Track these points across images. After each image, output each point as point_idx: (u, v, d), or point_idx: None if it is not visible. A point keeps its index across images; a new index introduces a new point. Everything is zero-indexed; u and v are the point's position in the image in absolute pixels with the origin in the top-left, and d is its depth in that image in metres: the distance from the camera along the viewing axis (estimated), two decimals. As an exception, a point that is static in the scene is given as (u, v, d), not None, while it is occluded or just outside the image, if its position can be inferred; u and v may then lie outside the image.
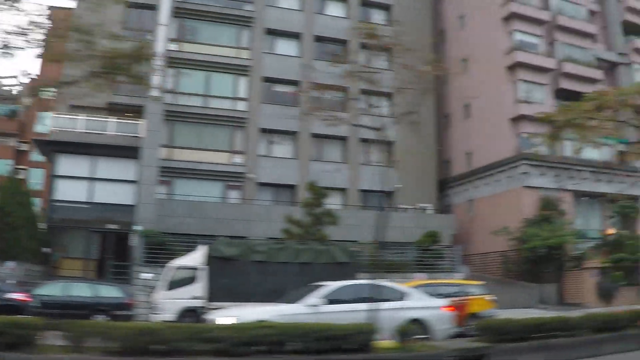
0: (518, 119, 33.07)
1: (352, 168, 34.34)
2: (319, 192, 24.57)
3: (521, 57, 33.29)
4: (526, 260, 29.57)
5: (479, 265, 32.68)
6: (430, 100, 34.37)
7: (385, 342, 10.70)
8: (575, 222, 32.92)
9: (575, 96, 33.64)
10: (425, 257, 25.62)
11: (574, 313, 13.55)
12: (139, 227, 24.95)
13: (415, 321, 12.47)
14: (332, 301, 12.38)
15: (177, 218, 28.49)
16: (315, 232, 23.74)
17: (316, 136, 33.86)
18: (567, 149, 32.76)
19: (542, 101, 33.65)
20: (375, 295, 11.50)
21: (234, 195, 32.44)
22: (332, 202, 33.31)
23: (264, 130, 33.26)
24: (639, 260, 28.43)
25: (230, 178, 32.30)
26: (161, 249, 22.67)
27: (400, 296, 13.16)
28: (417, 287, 14.98)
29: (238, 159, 32.71)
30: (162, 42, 29.81)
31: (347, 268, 19.69)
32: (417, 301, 13.30)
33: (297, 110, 32.52)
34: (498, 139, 33.77)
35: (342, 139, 34.26)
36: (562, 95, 34.35)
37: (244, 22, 34.16)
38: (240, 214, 30.10)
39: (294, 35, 35.16)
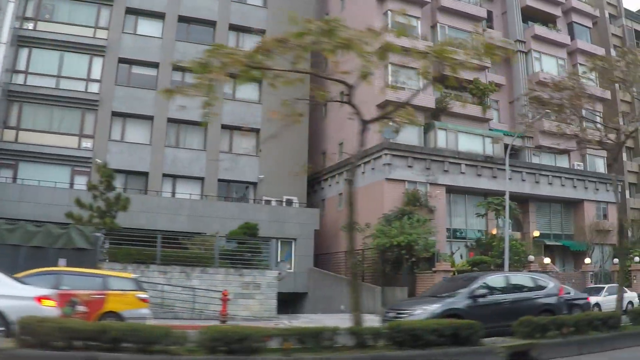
0: (385, 105, 30.59)
1: (211, 156, 32.16)
2: (109, 175, 22.46)
3: (391, 39, 30.72)
4: (379, 260, 27.10)
5: (336, 264, 30.32)
6: (304, 85, 32.16)
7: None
8: (445, 220, 30.52)
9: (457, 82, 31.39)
10: (241, 251, 23.17)
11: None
12: None
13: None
14: None
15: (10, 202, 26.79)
16: (106, 217, 21.62)
17: (173, 121, 31.78)
18: (442, 139, 30.41)
19: (415, 87, 31.21)
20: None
21: (81, 181, 30.51)
22: (188, 192, 31.54)
23: (117, 114, 31.30)
24: (501, 265, 25.94)
25: (77, 163, 30.42)
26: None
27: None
28: (33, 275, 12.68)
29: (88, 143, 30.79)
30: (9, 21, 28.43)
31: (86, 255, 17.59)
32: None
33: (154, 93, 30.79)
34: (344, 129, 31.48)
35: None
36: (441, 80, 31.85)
37: (104, 1, 32.26)
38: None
39: (158, 15, 33.12)
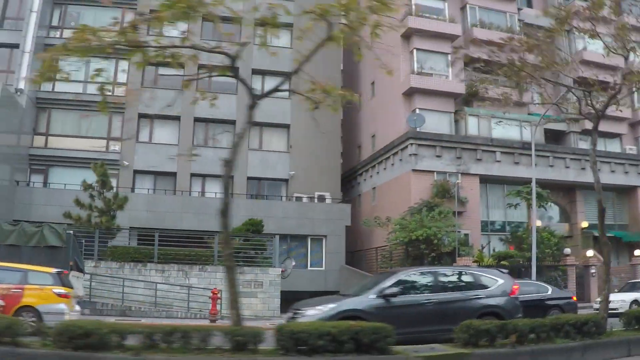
0: (411, 93, 29.23)
1: (239, 154, 31.59)
2: (103, 174, 22.32)
3: (416, 23, 29.32)
4: (404, 255, 25.80)
5: (370, 262, 29.20)
6: (336, 77, 31.37)
7: None
8: (480, 212, 28.79)
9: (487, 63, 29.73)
10: (244, 248, 22.47)
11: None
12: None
13: None
14: None
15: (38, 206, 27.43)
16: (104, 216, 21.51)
17: (201, 120, 31.63)
18: (474, 126, 28.78)
19: (444, 72, 29.74)
20: None
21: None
22: (216, 191, 31.19)
23: (144, 116, 31.36)
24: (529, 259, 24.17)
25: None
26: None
27: None
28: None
29: (116, 146, 31.08)
30: (32, 30, 29.25)
31: (59, 253, 17.31)
32: None
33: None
34: (395, 117, 30.06)
35: (231, 122, 31.73)
36: (474, 64, 30.15)
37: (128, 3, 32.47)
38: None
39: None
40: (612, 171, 31.66)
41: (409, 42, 29.65)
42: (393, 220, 25.67)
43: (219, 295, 16.69)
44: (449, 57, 29.77)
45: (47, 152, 30.06)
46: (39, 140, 30.22)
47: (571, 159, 30.77)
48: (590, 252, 27.78)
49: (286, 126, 32.13)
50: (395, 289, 10.82)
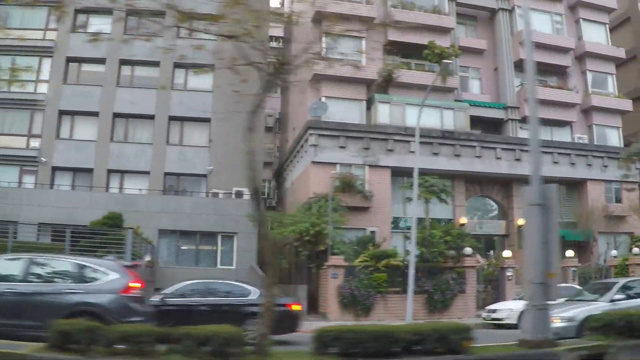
0: (318, 80, 27.50)
1: (158, 149, 30.90)
2: None
3: (327, 5, 27.49)
4: (296, 253, 24.17)
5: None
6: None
7: None
8: (394, 207, 26.67)
9: (413, 49, 27.81)
10: (103, 242, 21.51)
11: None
12: None
13: None
14: None
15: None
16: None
17: (120, 116, 31.06)
18: (386, 115, 26.86)
19: (357, 57, 27.80)
20: None
21: (30, 180, 30.76)
22: (135, 187, 30.59)
23: (65, 112, 31.16)
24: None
25: (25, 162, 30.71)
26: None
27: None
28: None
29: (36, 142, 30.99)
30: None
31: None
32: None
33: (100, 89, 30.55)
34: (304, 107, 28.41)
35: (150, 117, 31.04)
36: (395, 49, 28.18)
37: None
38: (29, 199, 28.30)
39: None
40: (555, 162, 28.66)
41: (320, 26, 27.88)
42: (275, 216, 24.12)
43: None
44: (364, 41, 27.86)
45: None
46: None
47: (503, 149, 28.04)
48: (507, 253, 25.08)
49: (207, 120, 31.09)
50: None
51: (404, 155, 26.70)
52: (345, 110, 27.16)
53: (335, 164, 25.99)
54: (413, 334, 8.57)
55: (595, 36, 31.55)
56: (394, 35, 27.88)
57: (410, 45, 28.20)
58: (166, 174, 30.68)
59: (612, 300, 12.47)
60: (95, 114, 31.04)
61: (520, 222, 28.41)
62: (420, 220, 26.41)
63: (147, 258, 22.16)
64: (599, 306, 12.30)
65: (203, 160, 30.95)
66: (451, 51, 27.94)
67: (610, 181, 29.32)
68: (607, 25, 32.40)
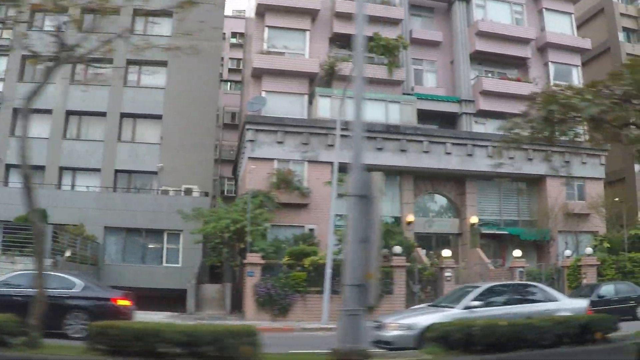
0: (259, 75, 26.82)
1: (109, 147, 30.63)
2: None
3: (267, -1, 26.89)
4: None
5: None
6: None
7: None
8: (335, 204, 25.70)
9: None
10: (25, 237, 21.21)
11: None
12: None
13: None
14: None
15: None
16: None
17: (73, 113, 30.96)
18: (326, 109, 26.10)
19: (300, 50, 27.12)
20: None
21: (-12, 179, 30.89)
22: (87, 184, 30.40)
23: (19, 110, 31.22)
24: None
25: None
26: None
27: None
28: None
29: (-10, 140, 31.11)
30: None
31: None
32: None
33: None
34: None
35: (103, 114, 30.82)
36: (342, 42, 27.37)
37: None
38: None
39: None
40: (511, 157, 27.29)
41: (263, 20, 27.31)
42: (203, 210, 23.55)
43: None
44: (307, 34, 27.14)
45: None
46: None
47: (453, 143, 26.91)
48: (447, 252, 23.93)
49: (159, 117, 30.74)
50: None
51: (345, 151, 25.75)
52: (288, 105, 26.43)
53: (273, 159, 25.28)
54: (184, 334, 7.80)
55: (560, 27, 30.08)
56: (340, 28, 27.08)
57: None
58: (117, 171, 30.42)
59: (468, 307, 10.99)
60: (49, 112, 30.99)
61: (473, 219, 27.34)
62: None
63: (67, 254, 21.76)
64: (449, 313, 10.88)
65: (154, 157, 30.59)
66: (397, 43, 26.97)
67: (572, 177, 27.83)
68: (573, 15, 30.89)
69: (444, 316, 10.66)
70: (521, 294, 12.04)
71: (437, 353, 8.76)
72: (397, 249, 22.05)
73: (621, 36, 33.33)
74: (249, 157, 25.27)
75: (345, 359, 7.88)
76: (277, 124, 25.41)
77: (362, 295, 8.58)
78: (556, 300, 11.79)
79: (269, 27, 26.99)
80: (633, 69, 11.28)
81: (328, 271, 19.46)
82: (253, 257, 20.95)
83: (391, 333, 10.71)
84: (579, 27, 33.47)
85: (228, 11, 42.45)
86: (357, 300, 8.47)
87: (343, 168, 24.96)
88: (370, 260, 8.80)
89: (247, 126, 25.39)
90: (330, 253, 19.78)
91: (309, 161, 25.55)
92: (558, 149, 27.34)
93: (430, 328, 9.47)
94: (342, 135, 25.65)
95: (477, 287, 12.24)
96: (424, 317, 10.88)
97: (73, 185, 30.68)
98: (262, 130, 25.36)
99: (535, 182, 28.25)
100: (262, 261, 20.93)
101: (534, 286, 12.70)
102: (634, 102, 10.77)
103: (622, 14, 33.57)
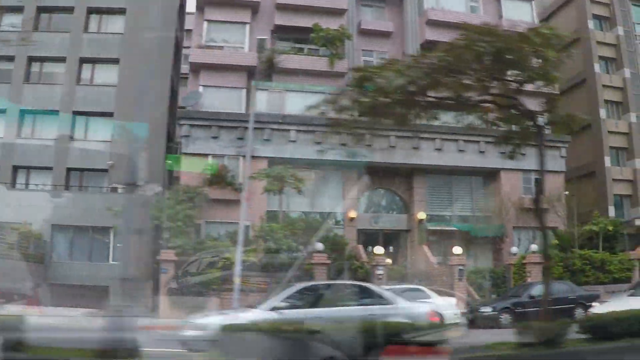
0: (197, 69, 26.26)
1: (61, 144, 30.45)
2: None
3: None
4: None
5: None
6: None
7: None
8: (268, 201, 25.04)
9: (307, 33, 26.31)
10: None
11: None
12: None
13: None
14: None
15: None
16: None
17: (26, 112, 30.91)
18: (264, 103, 25.43)
19: (240, 44, 26.47)
20: None
21: None
22: (40, 183, 30.33)
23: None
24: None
25: None
26: None
27: None
28: None
29: None
30: None
31: None
32: None
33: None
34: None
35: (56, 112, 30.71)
36: (285, 35, 26.67)
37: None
38: None
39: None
40: (461, 150, 26.24)
41: (203, 14, 26.75)
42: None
43: None
44: (247, 27, 26.47)
45: None
46: None
47: (397, 137, 25.81)
48: (379, 249, 22.90)
49: (110, 114, 30.42)
50: None
51: (282, 145, 25.07)
52: (225, 99, 25.81)
53: (207, 155, 24.66)
54: None
55: (519, 14, 28.67)
56: (282, 20, 26.36)
57: (302, 29, 26.57)
58: (69, 169, 30.23)
59: (275, 309, 10.19)
60: (2, 111, 31.04)
61: (421, 215, 26.25)
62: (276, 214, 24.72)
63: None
64: (251, 315, 9.99)
65: (105, 155, 30.29)
66: (338, 34, 26.07)
67: (529, 170, 26.49)
68: (533, 2, 29.45)
69: (243, 318, 9.77)
70: (346, 296, 11.08)
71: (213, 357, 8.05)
72: (319, 245, 21.14)
73: (591, 24, 31.64)
74: (183, 153, 24.72)
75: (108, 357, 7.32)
76: (212, 119, 24.80)
77: (132, 289, 8.00)
78: (390, 304, 10.78)
79: (208, 20, 26.44)
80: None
81: (238, 268, 18.74)
82: (166, 254, 20.34)
83: (187, 333, 9.94)
84: (548, 17, 32.05)
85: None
86: (126, 295, 7.89)
87: (280, 163, 24.41)
88: (144, 252, 8.16)
89: (182, 121, 24.88)
90: (239, 252, 19.05)
91: (244, 156, 24.81)
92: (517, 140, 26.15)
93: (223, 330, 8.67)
94: (277, 130, 25.06)
95: (293, 287, 11.38)
96: (221, 318, 10.03)
97: (27, 184, 30.63)
98: (196, 126, 24.76)
99: (490, 176, 26.97)
100: (175, 258, 20.31)
101: (364, 287, 11.77)
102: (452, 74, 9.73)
103: (592, 1, 31.88)
